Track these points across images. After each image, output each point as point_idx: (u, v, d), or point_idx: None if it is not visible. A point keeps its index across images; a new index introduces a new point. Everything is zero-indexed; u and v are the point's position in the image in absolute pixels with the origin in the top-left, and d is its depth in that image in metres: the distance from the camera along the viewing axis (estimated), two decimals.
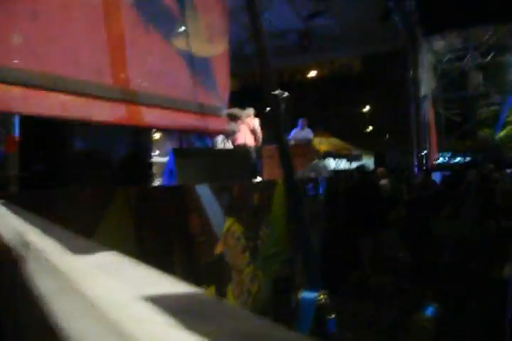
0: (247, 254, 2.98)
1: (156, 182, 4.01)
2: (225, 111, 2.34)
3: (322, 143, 16.66)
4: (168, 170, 3.57)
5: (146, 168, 2.43)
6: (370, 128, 29.43)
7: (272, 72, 1.69)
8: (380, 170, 7.17)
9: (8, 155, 1.98)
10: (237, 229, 2.88)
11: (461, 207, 10.94)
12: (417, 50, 11.67)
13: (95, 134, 2.04)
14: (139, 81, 1.89)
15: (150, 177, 2.82)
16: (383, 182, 6.78)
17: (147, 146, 2.58)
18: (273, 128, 2.05)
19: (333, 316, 1.80)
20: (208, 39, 2.20)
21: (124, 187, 2.08)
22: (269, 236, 3.27)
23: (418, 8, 10.40)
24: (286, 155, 1.85)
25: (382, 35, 11.28)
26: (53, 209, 1.69)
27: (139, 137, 2.16)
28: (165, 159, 4.73)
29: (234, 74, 14.48)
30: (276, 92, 6.44)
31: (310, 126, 10.39)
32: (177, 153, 3.37)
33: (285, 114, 8.59)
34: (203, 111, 2.08)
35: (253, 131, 7.88)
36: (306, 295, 1.74)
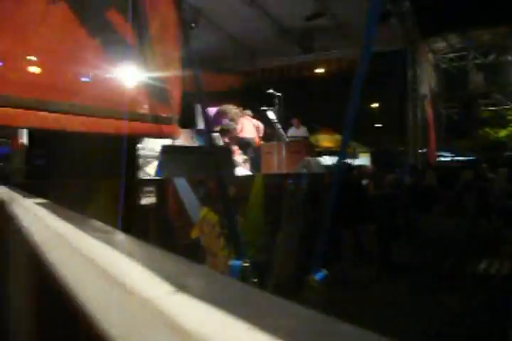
0: (222, 240, 3.41)
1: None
2: (176, 119, 2.80)
3: (325, 140, 16.90)
4: (158, 165, 4.01)
5: (132, 162, 2.87)
6: (379, 125, 29.40)
7: (200, 82, 2.10)
8: (366, 167, 7.54)
9: (15, 152, 2.49)
10: (212, 217, 3.30)
11: (455, 205, 11.23)
12: (416, 50, 11.92)
13: (85, 137, 2.51)
14: (105, 99, 2.37)
15: (137, 170, 3.26)
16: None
17: (134, 144, 3.03)
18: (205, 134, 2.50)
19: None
20: (162, 64, 2.65)
21: (111, 178, 2.53)
22: (245, 225, 3.69)
23: (415, 10, 10.64)
24: (214, 155, 2.28)
25: (383, 35, 11.57)
26: (52, 196, 2.10)
27: (123, 138, 2.60)
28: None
29: (234, 72, 14.76)
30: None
31: (315, 123, 10.60)
32: (165, 150, 3.81)
33: (283, 112, 8.96)
34: (157, 120, 2.57)
35: (257, 129, 8.36)
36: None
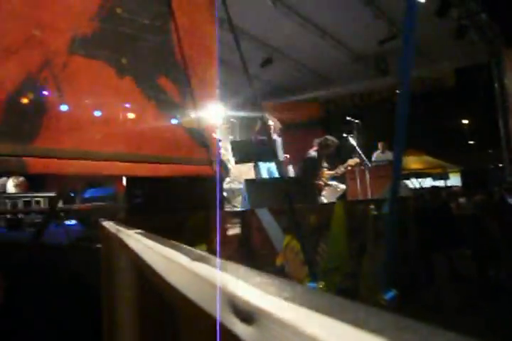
0: (306, 267, 3.52)
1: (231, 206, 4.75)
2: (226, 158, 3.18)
3: (412, 162, 16.35)
4: (243, 198, 4.28)
5: (218, 195, 3.15)
6: (471, 142, 27.74)
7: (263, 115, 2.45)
8: (456, 188, 7.25)
9: (118, 193, 2.95)
10: (296, 245, 3.44)
11: None
12: (501, 61, 11.40)
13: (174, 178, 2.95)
14: (154, 148, 2.84)
15: (222, 203, 3.54)
16: (460, 200, 6.84)
17: (220, 179, 3.34)
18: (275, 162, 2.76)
19: None
20: (202, 115, 3.08)
21: (199, 211, 2.83)
22: (329, 252, 3.78)
23: (496, 21, 10.25)
24: (286, 186, 2.44)
25: (464, 50, 11.27)
26: (149, 228, 2.40)
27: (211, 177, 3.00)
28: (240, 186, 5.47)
29: (314, 101, 14.98)
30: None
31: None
32: (248, 183, 4.08)
33: (364, 138, 8.94)
34: (198, 163, 2.99)
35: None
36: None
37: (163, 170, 2.88)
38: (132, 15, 2.87)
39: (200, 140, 3.05)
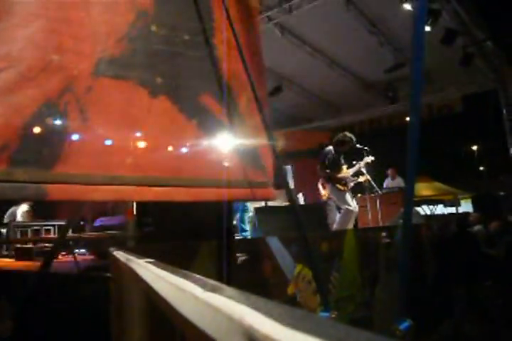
0: (319, 296, 3.44)
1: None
2: (271, 182, 2.98)
3: (423, 189, 16.20)
4: (253, 225, 4.25)
5: (228, 223, 3.11)
6: (481, 168, 27.51)
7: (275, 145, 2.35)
8: (473, 215, 7.13)
9: (128, 222, 2.90)
10: (307, 273, 3.38)
11: None
12: (508, 87, 11.47)
13: (186, 205, 2.84)
14: (206, 171, 2.69)
15: (232, 231, 3.49)
16: (477, 228, 6.70)
17: (230, 207, 3.30)
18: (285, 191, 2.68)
19: None
20: (252, 134, 2.92)
21: (208, 239, 2.79)
22: (341, 280, 3.70)
23: (502, 48, 10.37)
24: (296, 214, 2.41)
25: (470, 76, 11.36)
26: (158, 257, 2.37)
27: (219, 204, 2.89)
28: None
29: (324, 129, 15.02)
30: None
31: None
32: (258, 211, 4.05)
33: (376, 165, 8.90)
34: (252, 186, 2.81)
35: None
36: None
37: (207, 194, 2.69)
38: (170, 31, 2.75)
39: (253, 160, 2.87)
